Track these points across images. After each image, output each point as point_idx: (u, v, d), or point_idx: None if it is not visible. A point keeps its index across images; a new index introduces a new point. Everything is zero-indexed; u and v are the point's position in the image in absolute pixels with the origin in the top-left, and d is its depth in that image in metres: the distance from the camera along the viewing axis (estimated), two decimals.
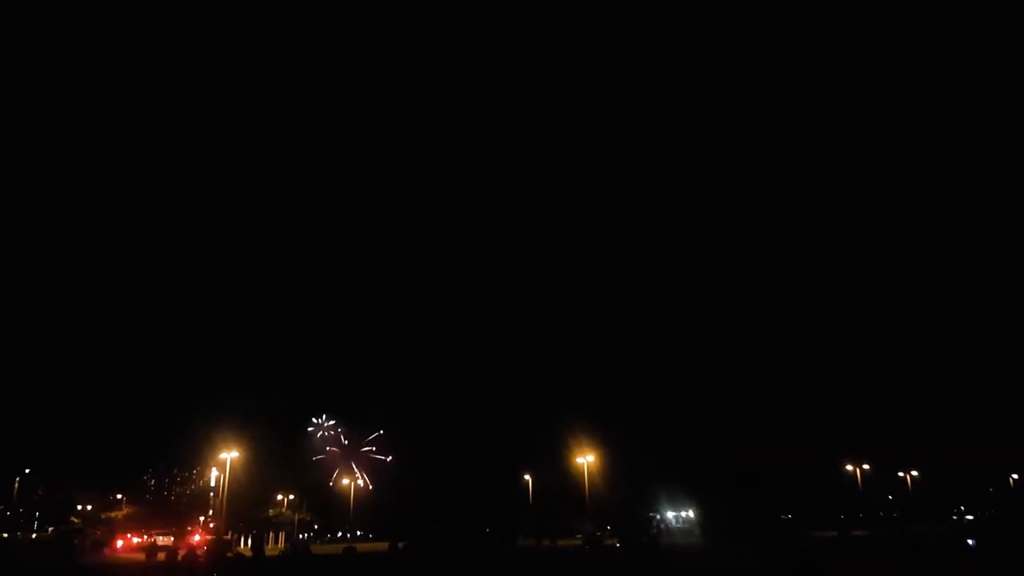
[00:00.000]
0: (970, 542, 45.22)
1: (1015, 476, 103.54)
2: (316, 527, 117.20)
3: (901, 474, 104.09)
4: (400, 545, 45.48)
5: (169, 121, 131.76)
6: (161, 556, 55.00)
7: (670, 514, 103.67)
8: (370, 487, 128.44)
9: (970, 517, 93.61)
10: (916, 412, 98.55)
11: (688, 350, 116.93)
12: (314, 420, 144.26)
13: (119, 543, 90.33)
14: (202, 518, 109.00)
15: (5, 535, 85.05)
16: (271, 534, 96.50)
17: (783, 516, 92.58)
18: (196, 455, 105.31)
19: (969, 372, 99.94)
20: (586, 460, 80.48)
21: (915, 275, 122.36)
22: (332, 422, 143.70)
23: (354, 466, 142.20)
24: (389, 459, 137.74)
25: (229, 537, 79.43)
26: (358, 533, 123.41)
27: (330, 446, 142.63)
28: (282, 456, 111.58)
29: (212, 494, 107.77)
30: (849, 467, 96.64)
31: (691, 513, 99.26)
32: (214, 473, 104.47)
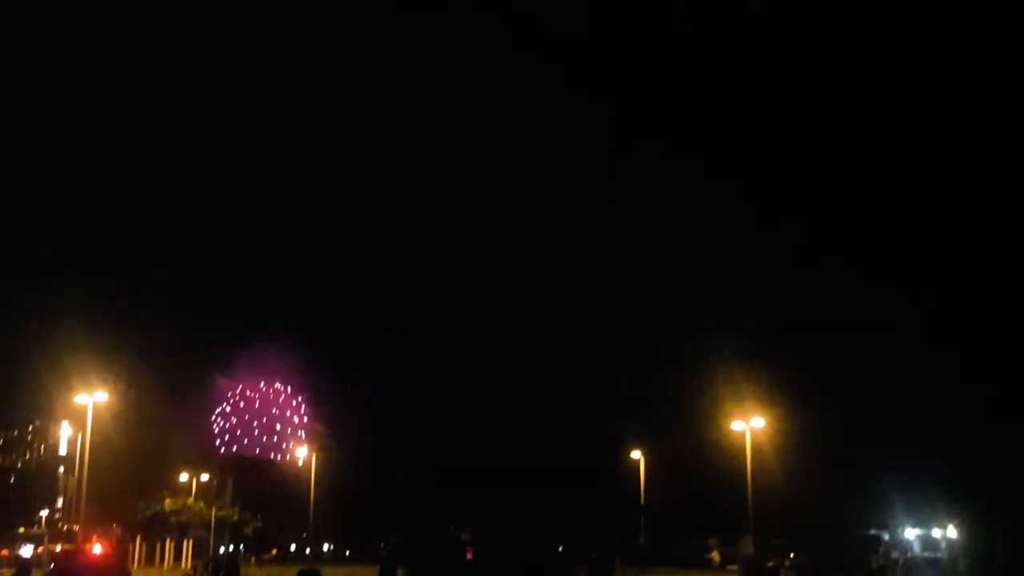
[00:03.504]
0: None
1: None
2: (249, 532, 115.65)
3: None
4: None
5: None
6: None
7: (911, 533, 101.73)
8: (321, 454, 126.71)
9: None
10: None
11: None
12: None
13: None
14: (44, 512, 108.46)
15: None
16: (167, 543, 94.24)
17: None
18: (34, 399, 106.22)
19: None
20: (748, 426, 79.04)
21: None
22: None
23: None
24: None
25: (98, 544, 76.58)
26: (325, 548, 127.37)
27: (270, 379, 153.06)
28: (186, 405, 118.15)
29: (62, 470, 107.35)
30: None
31: (950, 534, 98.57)
32: (65, 432, 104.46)
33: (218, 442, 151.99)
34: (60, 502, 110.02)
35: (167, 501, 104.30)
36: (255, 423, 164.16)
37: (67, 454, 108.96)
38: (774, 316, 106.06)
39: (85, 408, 74.05)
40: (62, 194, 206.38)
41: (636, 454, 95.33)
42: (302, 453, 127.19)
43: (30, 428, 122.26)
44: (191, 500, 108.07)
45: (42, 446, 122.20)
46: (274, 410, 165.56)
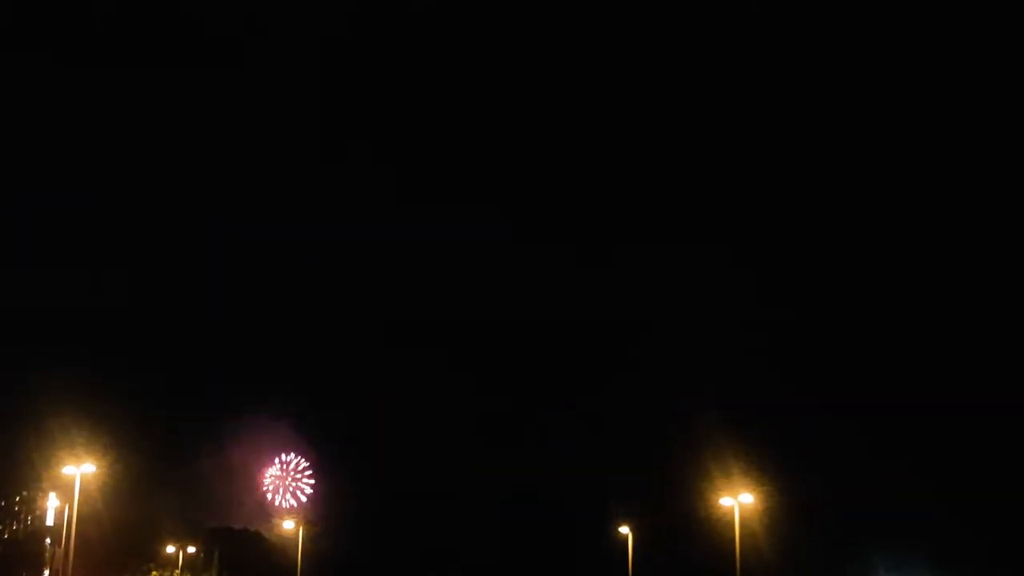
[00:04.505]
0: None
1: None
2: None
3: None
4: None
5: None
6: None
7: None
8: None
9: None
10: None
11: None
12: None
13: None
14: None
15: None
16: None
17: None
18: (22, 470, 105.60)
19: None
20: (737, 502, 77.23)
21: None
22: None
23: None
24: None
25: None
26: None
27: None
28: (174, 473, 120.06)
29: (49, 541, 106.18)
30: None
31: None
32: (53, 503, 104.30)
33: (205, 514, 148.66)
34: (47, 573, 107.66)
35: (153, 574, 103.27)
36: (243, 494, 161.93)
37: (54, 525, 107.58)
38: (760, 393, 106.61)
39: (72, 479, 72.06)
40: (58, 264, 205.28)
41: (624, 529, 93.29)
42: (289, 525, 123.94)
43: (17, 499, 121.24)
44: (178, 572, 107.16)
45: (29, 517, 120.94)
46: (264, 481, 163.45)
